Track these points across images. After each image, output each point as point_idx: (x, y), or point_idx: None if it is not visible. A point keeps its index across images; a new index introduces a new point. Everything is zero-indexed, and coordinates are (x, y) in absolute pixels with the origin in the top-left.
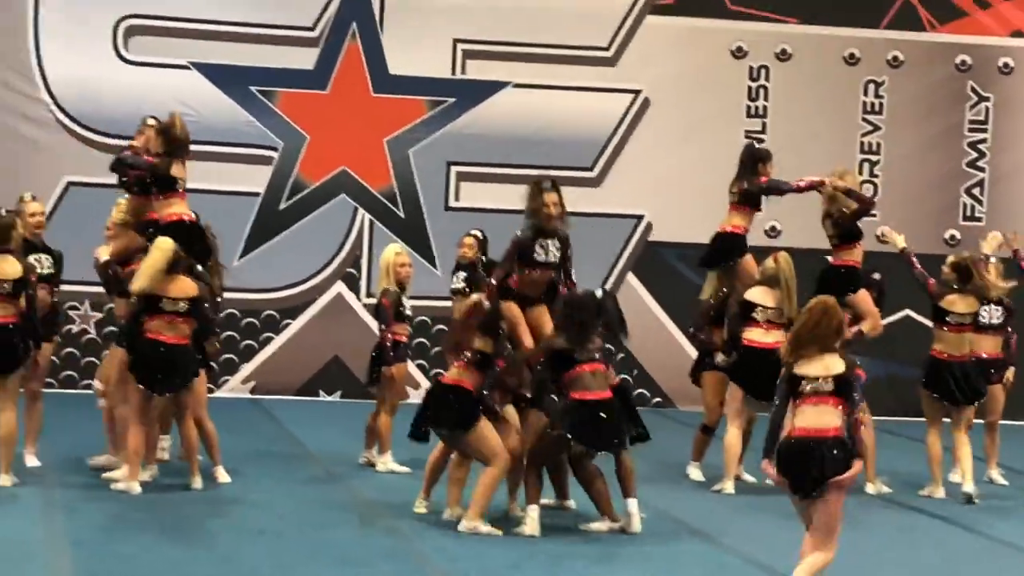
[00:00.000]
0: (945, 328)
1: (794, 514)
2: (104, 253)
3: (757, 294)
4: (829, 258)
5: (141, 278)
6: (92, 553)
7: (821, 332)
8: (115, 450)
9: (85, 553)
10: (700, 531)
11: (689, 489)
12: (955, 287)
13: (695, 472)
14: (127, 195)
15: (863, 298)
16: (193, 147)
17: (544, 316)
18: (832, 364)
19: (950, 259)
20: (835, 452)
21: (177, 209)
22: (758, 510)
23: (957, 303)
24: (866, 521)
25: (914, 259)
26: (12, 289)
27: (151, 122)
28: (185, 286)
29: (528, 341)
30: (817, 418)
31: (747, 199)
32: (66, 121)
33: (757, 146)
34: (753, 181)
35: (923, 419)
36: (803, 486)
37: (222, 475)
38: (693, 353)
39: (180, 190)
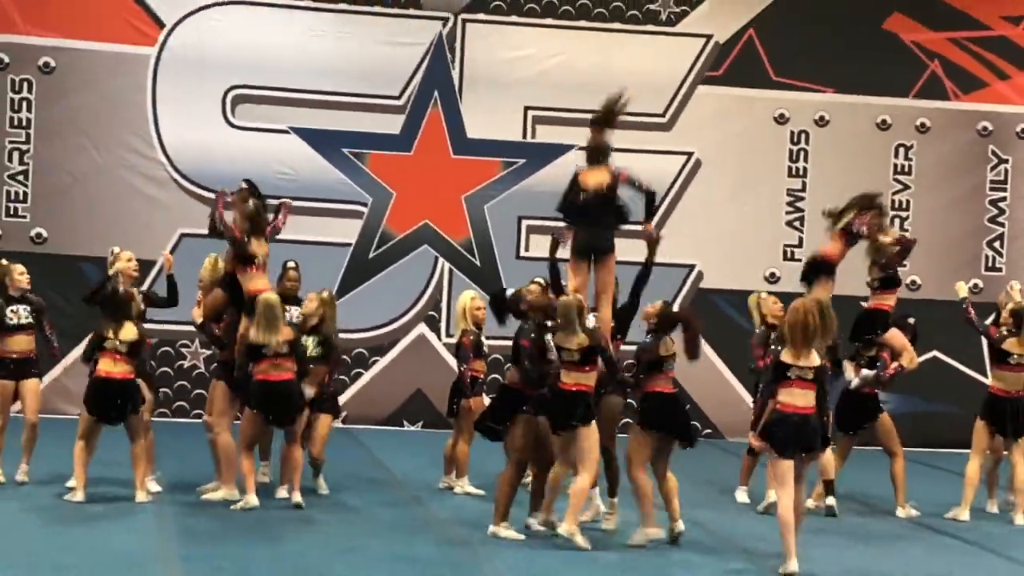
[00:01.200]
0: (1006, 368)
1: (827, 529)
2: (197, 315)
3: None
4: (863, 304)
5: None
6: (199, 566)
7: (810, 332)
8: (220, 477)
9: (193, 566)
10: (747, 547)
11: (735, 511)
12: (1012, 331)
13: (742, 495)
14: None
15: (895, 336)
16: (291, 202)
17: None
18: (813, 357)
19: (1010, 306)
20: (816, 425)
21: (258, 285)
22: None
23: (1016, 345)
24: (895, 543)
25: (971, 309)
26: (128, 350)
27: (244, 187)
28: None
29: None
30: (802, 398)
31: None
32: (179, 179)
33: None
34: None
35: (943, 450)
36: (790, 450)
37: (323, 487)
38: (739, 388)
39: (259, 265)
